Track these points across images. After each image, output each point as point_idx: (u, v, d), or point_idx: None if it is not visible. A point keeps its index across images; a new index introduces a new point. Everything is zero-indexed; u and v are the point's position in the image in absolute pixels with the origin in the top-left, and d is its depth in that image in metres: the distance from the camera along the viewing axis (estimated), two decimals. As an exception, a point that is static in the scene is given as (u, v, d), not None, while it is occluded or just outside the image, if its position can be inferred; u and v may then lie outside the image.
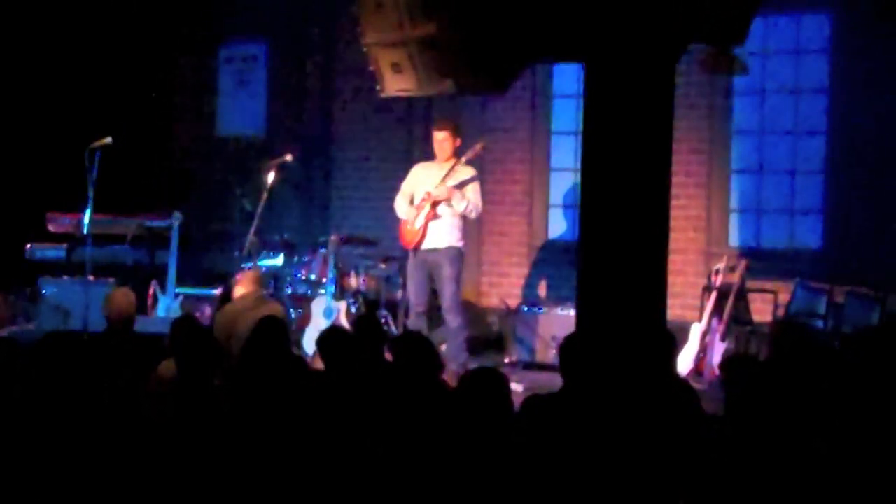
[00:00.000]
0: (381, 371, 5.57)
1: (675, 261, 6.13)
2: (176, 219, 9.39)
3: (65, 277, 9.35)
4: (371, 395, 5.04)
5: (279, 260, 9.72)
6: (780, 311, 8.86)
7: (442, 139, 8.44)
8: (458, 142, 8.47)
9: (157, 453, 4.28)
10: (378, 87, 7.21)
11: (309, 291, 9.42)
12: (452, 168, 8.40)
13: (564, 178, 10.47)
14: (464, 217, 8.42)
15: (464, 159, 8.45)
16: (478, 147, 8.54)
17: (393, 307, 9.60)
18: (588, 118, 5.73)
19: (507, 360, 9.23)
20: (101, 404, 4.45)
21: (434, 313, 8.65)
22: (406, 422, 4.68)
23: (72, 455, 4.12)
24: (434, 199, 8.34)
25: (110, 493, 4.08)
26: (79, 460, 4.12)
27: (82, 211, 8.99)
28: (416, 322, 8.42)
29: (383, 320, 9.16)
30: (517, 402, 4.47)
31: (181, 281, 9.28)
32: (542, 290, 10.43)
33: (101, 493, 4.07)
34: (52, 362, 4.45)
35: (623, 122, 5.49)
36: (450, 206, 8.33)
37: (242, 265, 9.40)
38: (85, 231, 9.08)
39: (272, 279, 9.65)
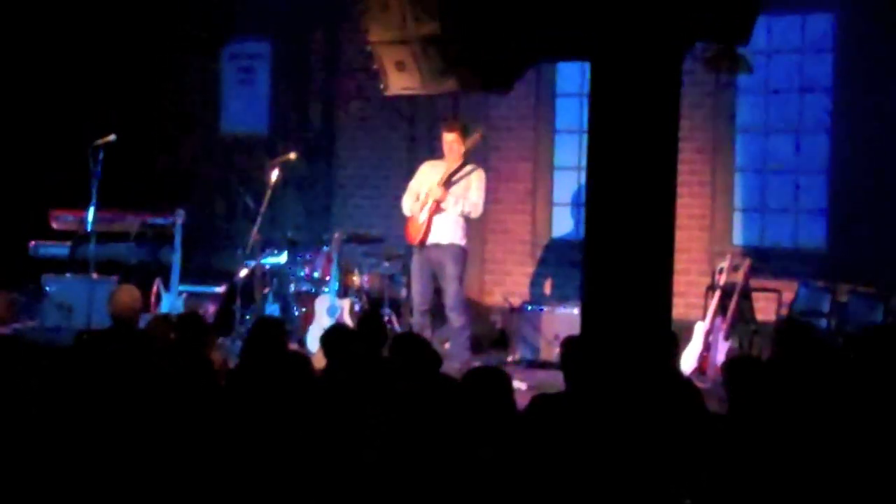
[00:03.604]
0: (384, 369, 5.57)
1: (678, 259, 6.08)
2: (179, 216, 9.36)
3: (68, 275, 9.35)
4: (374, 392, 5.05)
5: (283, 258, 9.70)
6: (784, 311, 8.85)
7: (451, 140, 8.37)
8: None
9: (163, 446, 4.29)
10: (382, 86, 7.20)
11: (312, 289, 9.40)
12: (460, 167, 8.36)
13: (568, 177, 10.47)
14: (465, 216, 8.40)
15: (464, 149, 8.36)
16: (476, 136, 8.43)
17: (396, 305, 9.59)
18: (593, 116, 5.71)
19: (510, 359, 9.21)
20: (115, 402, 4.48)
21: (437, 312, 8.64)
22: (408, 420, 4.68)
23: (79, 451, 4.14)
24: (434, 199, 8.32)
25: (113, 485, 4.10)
26: (85, 457, 4.14)
27: (86, 208, 9.00)
28: (419, 320, 8.41)
29: (387, 318, 9.15)
30: (520, 400, 4.47)
31: (184, 279, 9.27)
32: (545, 288, 10.42)
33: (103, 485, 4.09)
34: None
35: (629, 120, 5.47)
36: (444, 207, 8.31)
37: (246, 263, 9.41)
38: (88, 228, 9.08)
39: (275, 277, 9.66)
